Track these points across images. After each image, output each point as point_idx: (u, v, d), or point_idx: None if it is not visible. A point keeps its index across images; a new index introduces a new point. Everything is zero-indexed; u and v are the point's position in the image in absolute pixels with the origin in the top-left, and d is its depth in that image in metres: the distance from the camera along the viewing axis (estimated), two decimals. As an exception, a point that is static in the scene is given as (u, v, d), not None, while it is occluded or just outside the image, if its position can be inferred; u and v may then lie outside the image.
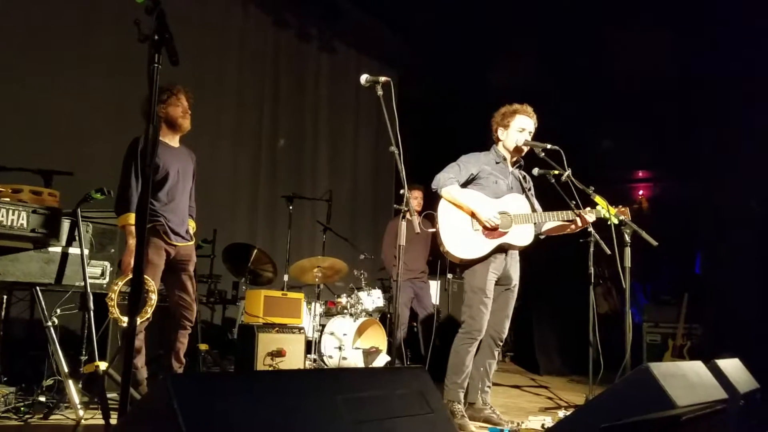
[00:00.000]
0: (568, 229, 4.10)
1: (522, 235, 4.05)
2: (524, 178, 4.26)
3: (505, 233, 3.98)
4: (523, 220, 4.00)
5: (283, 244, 6.26)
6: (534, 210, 4.13)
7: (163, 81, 3.59)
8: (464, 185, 4.06)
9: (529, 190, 4.25)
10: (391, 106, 3.27)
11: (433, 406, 1.74)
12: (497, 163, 4.14)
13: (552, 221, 4.05)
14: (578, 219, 3.95)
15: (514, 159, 4.19)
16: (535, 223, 4.09)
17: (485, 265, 3.97)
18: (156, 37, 1.85)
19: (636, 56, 7.51)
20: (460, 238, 3.95)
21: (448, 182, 3.98)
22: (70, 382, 3.36)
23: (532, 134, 4.10)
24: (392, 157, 3.27)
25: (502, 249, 4.02)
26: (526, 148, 4.08)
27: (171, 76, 3.80)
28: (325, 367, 5.59)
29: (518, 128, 4.07)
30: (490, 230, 3.94)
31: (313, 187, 7.74)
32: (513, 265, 4.12)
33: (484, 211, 3.93)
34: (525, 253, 4.22)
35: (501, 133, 4.13)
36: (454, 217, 3.98)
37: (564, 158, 3.89)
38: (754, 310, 6.58)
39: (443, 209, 4.00)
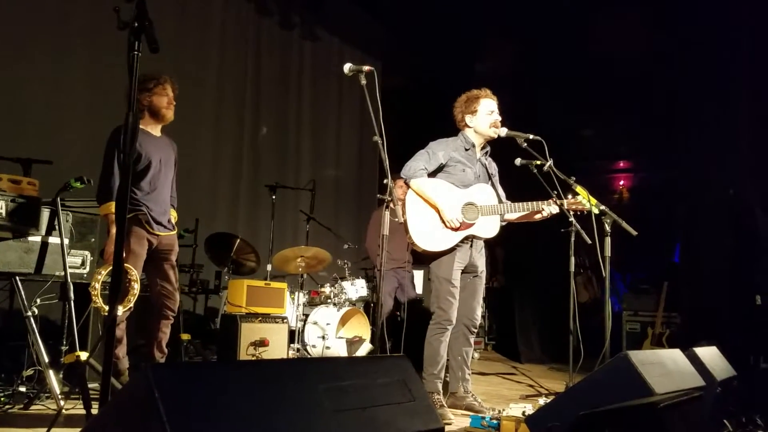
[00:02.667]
0: (533, 218, 4.14)
1: (488, 227, 4.09)
2: (490, 164, 4.29)
3: (472, 225, 4.02)
4: (489, 211, 4.04)
5: (266, 233, 6.25)
6: (499, 199, 4.17)
7: (148, 69, 3.59)
8: (433, 173, 4.07)
9: (494, 176, 4.28)
10: (374, 96, 3.27)
11: (415, 394, 1.76)
12: (466, 150, 4.15)
13: (518, 212, 4.08)
14: (543, 210, 4.00)
15: (483, 145, 4.21)
16: (501, 214, 4.12)
17: (451, 256, 4.01)
18: (136, 24, 1.83)
19: (616, 46, 7.56)
20: (427, 230, 3.97)
21: (417, 173, 3.98)
22: (51, 372, 3.34)
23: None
24: (376, 146, 3.27)
25: (467, 239, 4.06)
26: (497, 133, 4.09)
27: (151, 64, 3.77)
28: (309, 356, 5.60)
29: (487, 111, 4.10)
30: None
31: (296, 177, 7.71)
32: (478, 254, 4.16)
33: (449, 210, 3.95)
34: (507, 242, 4.26)
35: (469, 119, 4.14)
36: (421, 208, 4.00)
37: (546, 148, 3.91)
38: (732, 299, 6.68)
39: (411, 200, 4.01)
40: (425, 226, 3.97)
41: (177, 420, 1.18)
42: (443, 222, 3.96)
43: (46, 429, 2.50)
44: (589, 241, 3.98)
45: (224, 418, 1.29)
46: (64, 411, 3.20)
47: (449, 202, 3.98)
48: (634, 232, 3.72)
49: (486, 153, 4.26)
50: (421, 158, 4.05)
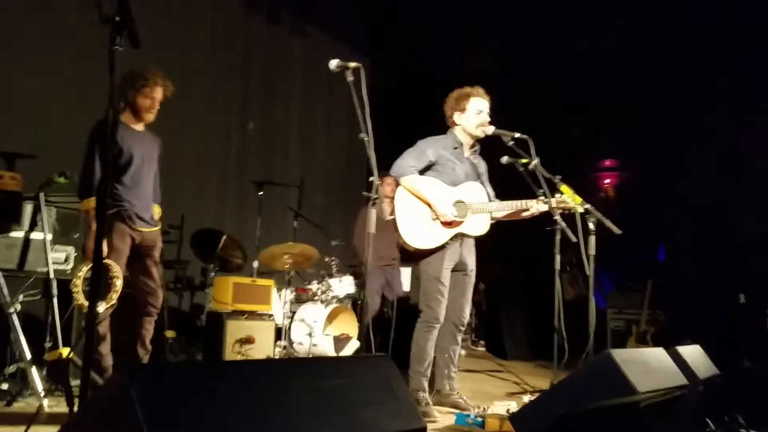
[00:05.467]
0: (521, 216, 4.15)
1: (477, 225, 4.09)
2: (479, 163, 4.28)
3: (461, 222, 4.02)
4: (479, 209, 4.04)
5: (252, 230, 6.21)
6: (489, 198, 4.17)
7: (134, 64, 3.56)
8: (422, 172, 4.06)
9: (483, 175, 4.28)
10: (361, 93, 3.25)
11: (397, 394, 1.75)
12: (455, 148, 4.14)
13: (506, 210, 4.09)
14: (531, 208, 4.01)
15: (471, 144, 4.21)
16: (490, 212, 4.12)
17: (440, 254, 4.00)
18: (117, 19, 1.81)
19: (600, 44, 7.60)
20: (416, 228, 3.96)
21: (408, 170, 3.97)
22: (33, 369, 3.31)
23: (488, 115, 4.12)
24: (363, 143, 3.26)
25: (457, 237, 4.06)
26: (484, 133, 4.09)
27: (136, 59, 3.72)
28: (296, 354, 5.58)
29: (475, 111, 4.09)
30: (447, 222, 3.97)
31: (284, 173, 7.67)
32: (467, 253, 4.16)
33: (441, 205, 3.94)
34: (494, 240, 4.27)
35: (458, 117, 4.13)
36: (411, 206, 3.99)
37: (532, 147, 3.92)
38: (716, 298, 6.73)
39: (401, 198, 4.00)
40: (415, 224, 3.96)
41: (154, 422, 1.17)
42: (437, 218, 3.95)
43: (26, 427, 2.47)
44: (574, 239, 4.00)
45: (203, 419, 1.27)
46: (47, 409, 3.18)
47: (441, 198, 3.97)
48: (618, 231, 3.73)
49: (475, 151, 4.26)
50: (410, 156, 4.04)
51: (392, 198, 4.98)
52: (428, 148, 4.07)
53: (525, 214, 4.12)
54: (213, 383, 1.35)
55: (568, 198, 3.93)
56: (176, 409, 1.24)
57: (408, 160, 4.01)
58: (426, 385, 4.00)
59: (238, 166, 7.31)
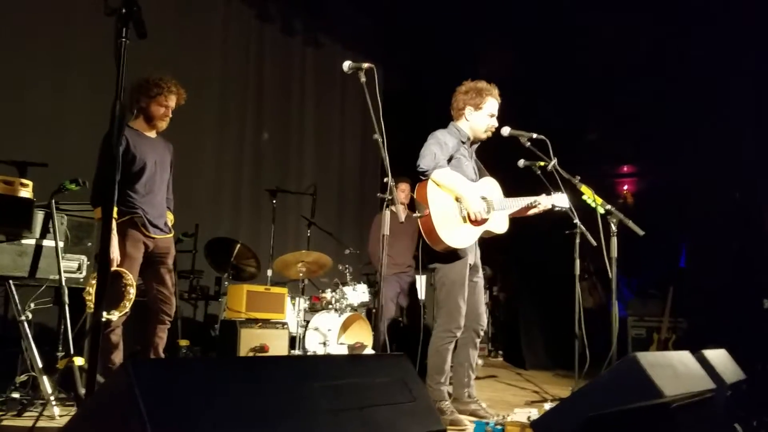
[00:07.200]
0: (526, 213, 4.04)
1: (501, 222, 3.96)
2: (477, 160, 4.15)
3: (487, 220, 3.87)
4: (500, 206, 3.91)
5: (266, 238, 6.19)
6: None
7: (152, 75, 3.54)
8: None
9: (484, 172, 4.17)
10: (374, 93, 3.21)
11: (415, 394, 1.68)
12: (463, 143, 3.99)
13: (519, 206, 3.97)
14: (539, 205, 3.92)
15: (473, 141, 4.07)
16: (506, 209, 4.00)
17: (465, 258, 3.85)
18: (123, 10, 1.77)
19: (620, 49, 7.52)
20: (450, 225, 3.75)
21: (441, 161, 3.75)
22: (45, 377, 3.27)
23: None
24: (377, 149, 3.20)
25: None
26: (487, 136, 4.00)
27: (153, 69, 3.71)
28: (310, 362, 5.52)
29: (489, 113, 3.94)
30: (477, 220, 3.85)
31: (297, 181, 7.65)
32: (478, 252, 4.04)
33: (474, 202, 3.76)
34: (512, 248, 4.19)
35: (470, 112, 3.95)
36: (442, 201, 3.78)
37: (550, 148, 3.84)
38: (739, 303, 6.59)
39: (433, 191, 3.76)
40: (448, 221, 3.75)
41: (158, 418, 1.11)
42: (466, 215, 3.77)
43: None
44: (594, 243, 3.91)
45: (209, 417, 1.21)
46: (57, 418, 3.14)
47: (473, 195, 3.80)
48: (641, 232, 3.63)
49: (474, 149, 4.14)
50: (436, 149, 3.78)
51: (406, 204, 4.90)
52: (446, 143, 3.85)
53: (532, 211, 3.99)
54: (221, 379, 1.28)
55: (588, 198, 3.85)
56: (181, 406, 1.18)
57: (437, 151, 3.75)
58: (446, 395, 3.90)
59: (251, 175, 7.30)
